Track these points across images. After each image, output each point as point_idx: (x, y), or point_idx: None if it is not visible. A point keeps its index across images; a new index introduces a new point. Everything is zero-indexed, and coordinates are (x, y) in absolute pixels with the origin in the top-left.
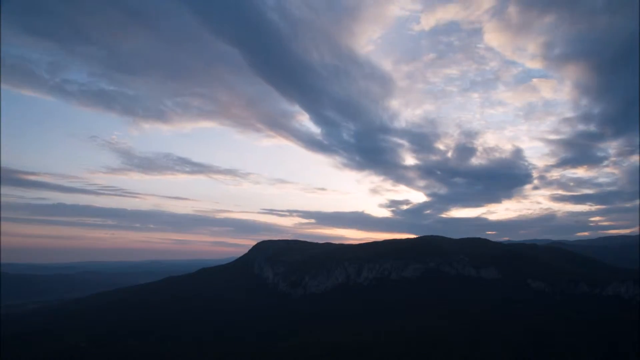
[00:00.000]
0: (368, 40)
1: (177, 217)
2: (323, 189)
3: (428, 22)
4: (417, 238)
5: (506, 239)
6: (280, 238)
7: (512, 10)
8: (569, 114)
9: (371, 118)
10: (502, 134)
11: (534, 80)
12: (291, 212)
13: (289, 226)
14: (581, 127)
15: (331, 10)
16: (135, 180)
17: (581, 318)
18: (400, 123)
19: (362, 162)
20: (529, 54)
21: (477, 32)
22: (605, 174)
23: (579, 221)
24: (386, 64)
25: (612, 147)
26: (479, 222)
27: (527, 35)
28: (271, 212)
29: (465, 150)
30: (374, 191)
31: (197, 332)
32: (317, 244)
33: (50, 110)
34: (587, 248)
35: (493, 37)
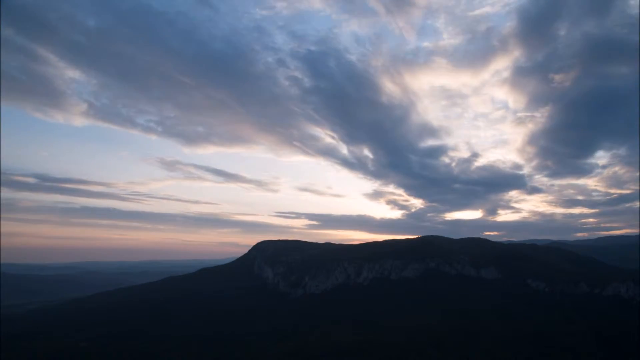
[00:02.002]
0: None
1: (192, 219)
2: (337, 195)
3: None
4: (417, 238)
5: (506, 239)
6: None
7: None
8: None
9: (392, 137)
10: (503, 148)
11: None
12: (299, 215)
13: (298, 227)
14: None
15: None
16: (181, 187)
17: (581, 318)
18: (416, 144)
19: (375, 172)
20: None
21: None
22: (602, 178)
23: (578, 222)
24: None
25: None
26: (478, 223)
27: None
28: (280, 214)
29: (468, 162)
30: (378, 196)
31: (197, 332)
32: (317, 243)
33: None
34: (587, 248)
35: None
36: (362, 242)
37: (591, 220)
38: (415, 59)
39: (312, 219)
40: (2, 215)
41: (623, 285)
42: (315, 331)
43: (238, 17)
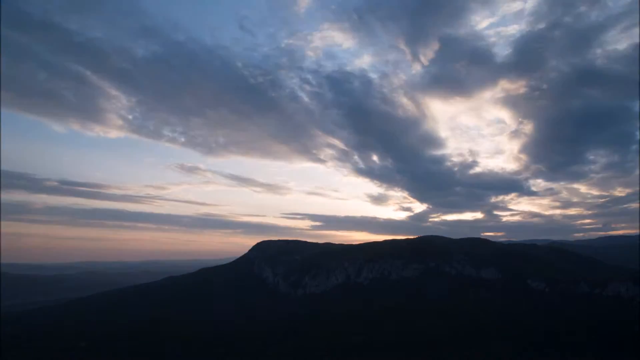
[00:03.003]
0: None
1: (199, 220)
2: (343, 198)
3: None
4: (416, 238)
5: (506, 239)
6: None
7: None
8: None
9: (399, 145)
10: (501, 157)
11: None
12: (304, 216)
13: (303, 228)
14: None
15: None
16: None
17: (581, 318)
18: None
19: (381, 176)
20: None
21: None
22: (592, 183)
23: (574, 223)
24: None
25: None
26: (479, 224)
27: None
28: (286, 216)
29: (469, 167)
30: (384, 199)
31: (197, 332)
32: (317, 244)
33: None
34: (587, 248)
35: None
36: (362, 242)
37: (587, 221)
38: (426, 82)
39: (317, 220)
40: (19, 217)
41: (623, 285)
42: (316, 331)
43: (270, 45)
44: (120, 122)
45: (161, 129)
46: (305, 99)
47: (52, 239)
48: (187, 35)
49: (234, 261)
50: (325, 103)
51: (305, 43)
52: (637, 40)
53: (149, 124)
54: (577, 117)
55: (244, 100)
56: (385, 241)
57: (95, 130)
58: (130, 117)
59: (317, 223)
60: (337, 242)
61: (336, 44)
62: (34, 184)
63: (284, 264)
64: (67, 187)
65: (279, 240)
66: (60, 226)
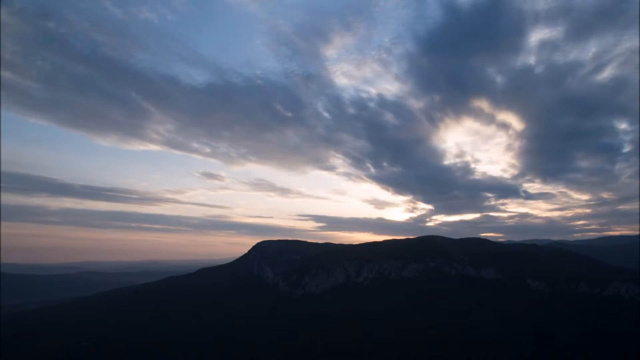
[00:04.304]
0: None
1: (206, 222)
2: (349, 202)
3: None
4: (416, 238)
5: (506, 239)
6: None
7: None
8: None
9: (409, 155)
10: (499, 165)
11: None
12: (308, 217)
13: (306, 229)
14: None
15: None
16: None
17: (581, 318)
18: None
19: (389, 181)
20: None
21: None
22: (599, 182)
23: (576, 224)
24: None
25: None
26: (478, 224)
27: None
28: (290, 217)
29: (470, 173)
30: (390, 202)
31: (197, 332)
32: (316, 244)
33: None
34: (587, 248)
35: None
36: (361, 242)
37: (582, 222)
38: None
39: (321, 221)
40: (34, 219)
41: (623, 285)
42: (315, 331)
43: (295, 69)
44: (155, 136)
45: (191, 143)
46: (325, 115)
47: (64, 240)
48: (225, 64)
49: (234, 261)
50: (343, 119)
51: (327, 72)
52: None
53: (181, 139)
54: (560, 134)
55: (269, 116)
56: (385, 241)
57: (133, 143)
58: (165, 133)
59: (321, 224)
60: (337, 242)
61: (355, 76)
62: (56, 188)
63: (284, 264)
64: (88, 190)
65: (278, 241)
66: (72, 227)
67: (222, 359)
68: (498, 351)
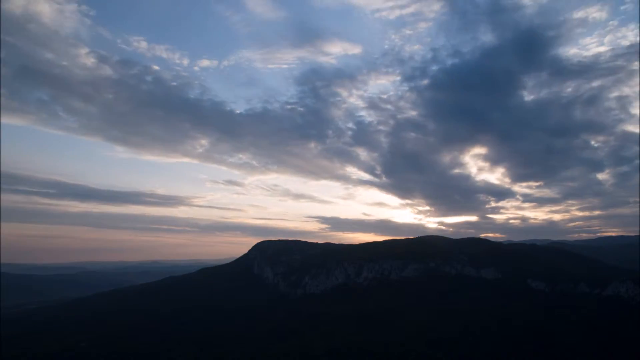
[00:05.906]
0: None
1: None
2: (355, 204)
3: None
4: (416, 238)
5: (506, 239)
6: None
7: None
8: None
9: (418, 166)
10: (497, 172)
11: None
12: (314, 219)
13: (311, 230)
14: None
15: None
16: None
17: (581, 318)
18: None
19: (397, 187)
20: None
21: None
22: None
23: (575, 225)
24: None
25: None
26: (479, 225)
27: None
28: (296, 218)
29: (470, 179)
30: (398, 206)
31: (197, 331)
32: (316, 244)
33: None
34: (587, 248)
35: None
36: (361, 243)
37: (578, 223)
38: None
39: (326, 223)
40: (48, 220)
41: (623, 285)
42: (315, 331)
43: (321, 89)
44: (192, 152)
45: (221, 156)
46: (347, 131)
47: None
48: (267, 91)
49: (234, 261)
50: (362, 135)
51: (349, 93)
52: None
53: (211, 153)
54: (544, 152)
55: (297, 134)
56: (386, 241)
57: (171, 157)
58: (200, 150)
59: (326, 225)
60: (337, 242)
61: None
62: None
63: (284, 264)
64: (109, 195)
65: (279, 241)
66: (85, 227)
67: (222, 358)
68: (498, 351)
